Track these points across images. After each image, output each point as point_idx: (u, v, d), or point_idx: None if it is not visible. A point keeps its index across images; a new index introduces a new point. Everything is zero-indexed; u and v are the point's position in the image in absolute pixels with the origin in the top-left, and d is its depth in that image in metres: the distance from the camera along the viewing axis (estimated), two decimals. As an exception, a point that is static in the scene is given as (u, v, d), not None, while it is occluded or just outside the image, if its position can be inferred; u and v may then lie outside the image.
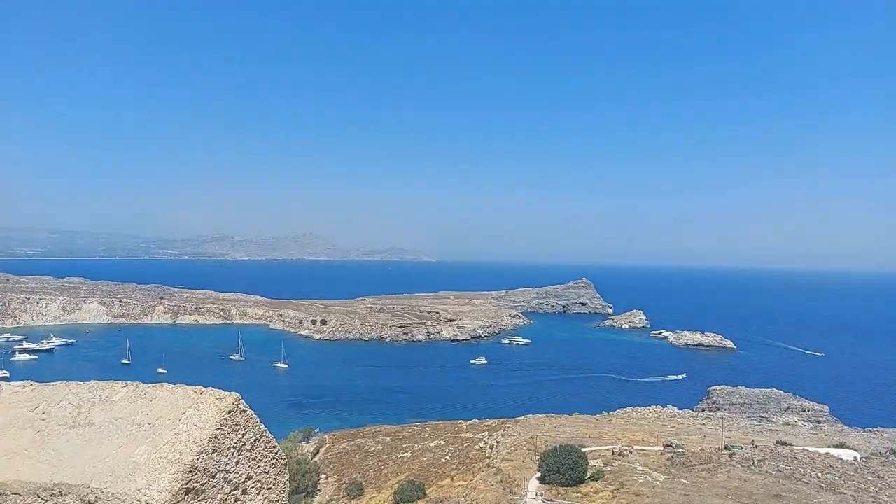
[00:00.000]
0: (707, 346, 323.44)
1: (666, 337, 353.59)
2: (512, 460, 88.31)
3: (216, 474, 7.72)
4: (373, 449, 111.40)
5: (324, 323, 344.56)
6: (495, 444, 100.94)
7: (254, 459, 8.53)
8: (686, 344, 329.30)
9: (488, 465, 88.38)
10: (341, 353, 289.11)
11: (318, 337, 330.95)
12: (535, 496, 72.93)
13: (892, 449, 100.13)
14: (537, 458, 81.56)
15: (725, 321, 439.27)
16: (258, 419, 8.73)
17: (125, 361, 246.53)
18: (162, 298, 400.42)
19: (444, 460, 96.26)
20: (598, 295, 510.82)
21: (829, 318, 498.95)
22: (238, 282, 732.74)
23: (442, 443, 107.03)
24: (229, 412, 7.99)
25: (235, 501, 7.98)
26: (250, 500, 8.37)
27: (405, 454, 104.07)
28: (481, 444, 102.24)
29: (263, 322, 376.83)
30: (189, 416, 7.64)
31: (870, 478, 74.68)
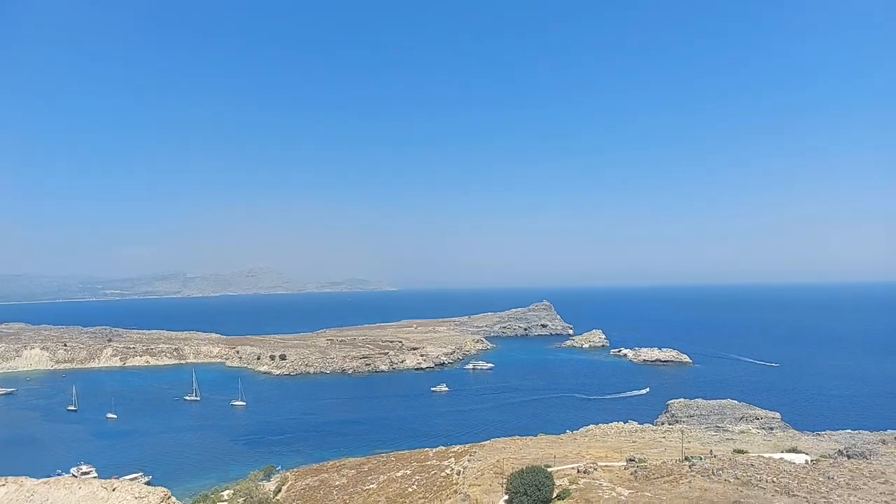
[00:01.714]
0: (665, 361, 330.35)
1: (625, 354, 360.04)
2: (479, 485, 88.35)
3: None
4: (337, 483, 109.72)
5: (283, 358, 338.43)
6: (462, 469, 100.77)
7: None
8: (645, 360, 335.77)
9: (456, 492, 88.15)
10: (302, 388, 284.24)
11: (278, 372, 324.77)
12: (502, 519, 73.19)
13: (839, 451, 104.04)
14: (504, 481, 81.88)
15: (682, 336, 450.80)
16: None
17: (71, 408, 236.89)
18: (110, 340, 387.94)
19: (411, 490, 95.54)
20: (558, 316, 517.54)
21: (784, 330, 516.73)
22: (191, 320, 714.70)
23: (408, 472, 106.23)
24: None
25: None
26: None
27: (371, 486, 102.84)
28: (448, 471, 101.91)
29: (219, 360, 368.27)
30: None
31: (821, 479, 77.46)
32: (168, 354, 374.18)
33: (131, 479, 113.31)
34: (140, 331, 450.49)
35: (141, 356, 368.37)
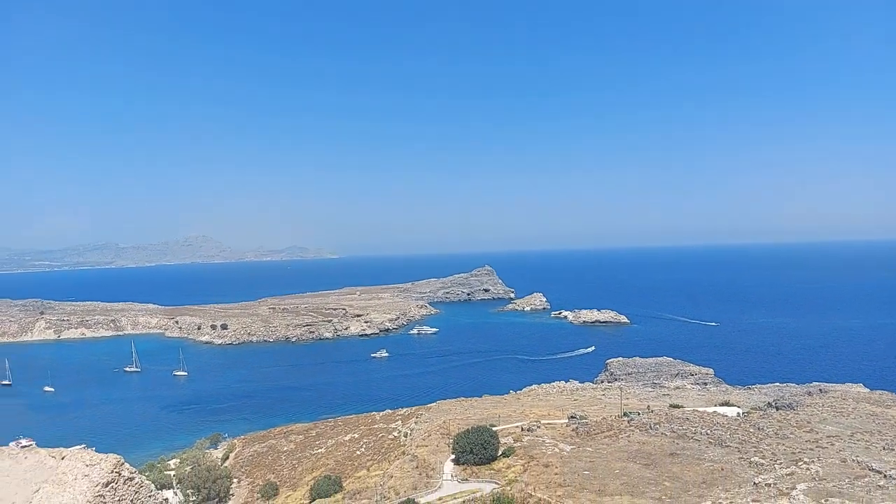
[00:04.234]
0: (603, 322, 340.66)
1: (565, 316, 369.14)
2: (426, 446, 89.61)
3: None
4: (285, 448, 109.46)
5: (224, 327, 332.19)
6: (409, 431, 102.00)
7: (152, 542, 6.32)
8: (584, 321, 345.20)
9: (403, 453, 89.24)
10: (245, 357, 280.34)
11: (220, 342, 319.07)
12: (450, 477, 74.61)
13: (769, 403, 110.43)
14: (451, 441, 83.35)
15: (620, 298, 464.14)
16: (152, 486, 7.11)
17: (5, 382, 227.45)
18: (42, 313, 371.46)
19: (359, 452, 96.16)
20: (500, 280, 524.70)
21: (726, 290, 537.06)
22: (127, 291, 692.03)
23: (356, 435, 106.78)
24: (107, 484, 6.05)
25: None
26: None
27: (319, 450, 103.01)
28: (395, 433, 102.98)
29: (158, 330, 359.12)
30: (45, 496, 5.49)
31: (751, 430, 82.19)
32: (105, 326, 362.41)
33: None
34: (73, 303, 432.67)
35: (76, 328, 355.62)
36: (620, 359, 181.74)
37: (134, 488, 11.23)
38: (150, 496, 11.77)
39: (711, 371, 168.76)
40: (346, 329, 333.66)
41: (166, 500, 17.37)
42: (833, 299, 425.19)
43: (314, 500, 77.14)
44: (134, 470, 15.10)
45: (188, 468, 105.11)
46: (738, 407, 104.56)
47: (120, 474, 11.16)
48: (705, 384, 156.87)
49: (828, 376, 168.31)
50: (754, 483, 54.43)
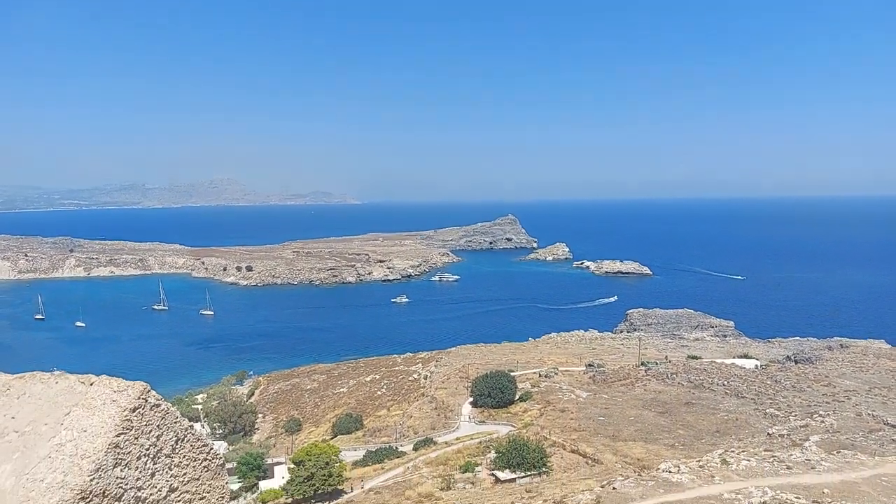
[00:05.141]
0: (625, 272, 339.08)
1: (587, 266, 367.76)
2: (445, 388, 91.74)
3: (123, 495, 5.80)
4: (309, 387, 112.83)
5: (249, 269, 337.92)
6: (429, 374, 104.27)
7: (177, 466, 6.83)
8: (606, 272, 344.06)
9: (423, 394, 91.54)
10: (269, 298, 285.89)
11: (245, 283, 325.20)
12: (467, 419, 76.65)
13: (787, 356, 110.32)
14: (469, 384, 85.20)
15: (644, 249, 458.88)
16: (178, 413, 7.54)
17: (39, 317, 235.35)
18: (72, 251, 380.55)
19: (379, 393, 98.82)
20: (523, 230, 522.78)
21: (755, 243, 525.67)
22: (153, 231, 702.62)
23: (377, 377, 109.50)
24: (134, 409, 6.36)
25: (158, 524, 6.09)
26: (180, 518, 6.56)
27: (341, 390, 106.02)
28: (416, 376, 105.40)
29: (185, 271, 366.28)
30: (75, 419, 5.84)
31: (768, 382, 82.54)
32: (133, 265, 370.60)
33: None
34: (102, 241, 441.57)
35: (105, 266, 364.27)
36: (641, 310, 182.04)
37: (160, 414, 11.41)
38: (175, 422, 11.94)
39: (732, 324, 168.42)
40: (369, 274, 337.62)
41: (191, 426, 17.75)
42: (857, 254, 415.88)
43: (336, 436, 79.97)
44: (160, 397, 15.44)
45: (215, 403, 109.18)
46: (757, 360, 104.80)
47: (146, 401, 11.36)
48: (725, 336, 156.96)
49: (850, 332, 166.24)
50: (768, 433, 55.09)
